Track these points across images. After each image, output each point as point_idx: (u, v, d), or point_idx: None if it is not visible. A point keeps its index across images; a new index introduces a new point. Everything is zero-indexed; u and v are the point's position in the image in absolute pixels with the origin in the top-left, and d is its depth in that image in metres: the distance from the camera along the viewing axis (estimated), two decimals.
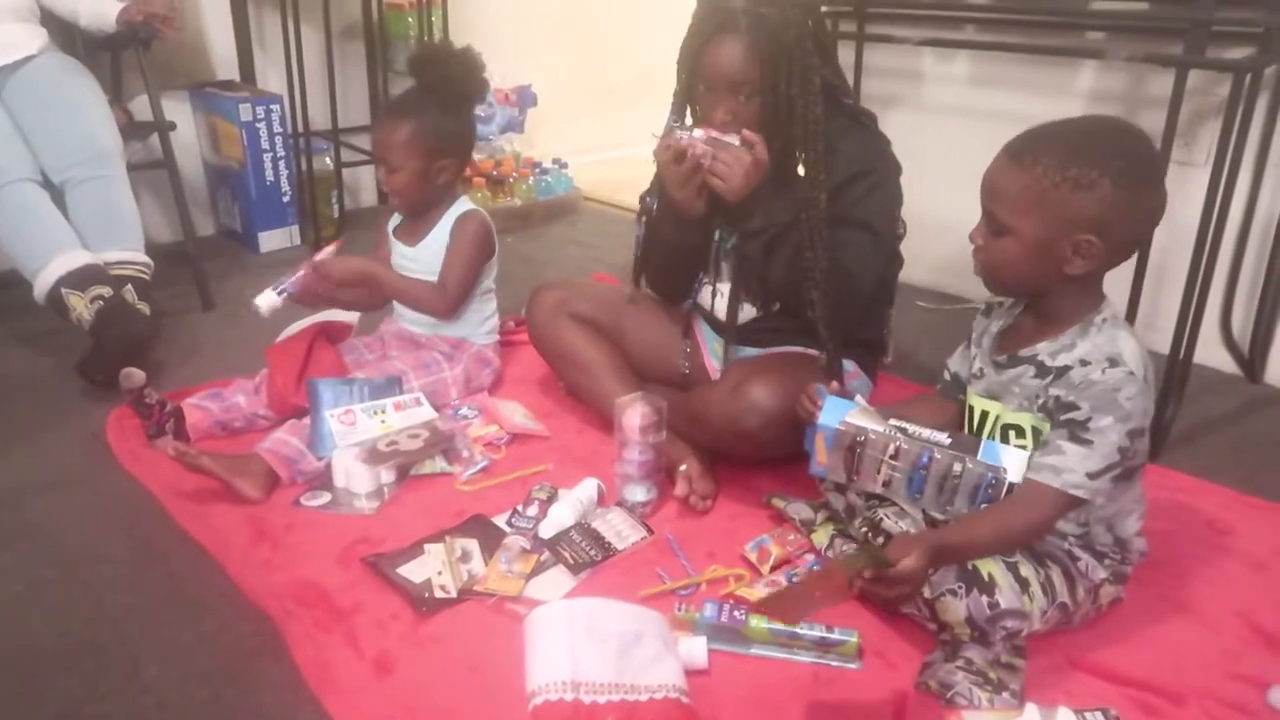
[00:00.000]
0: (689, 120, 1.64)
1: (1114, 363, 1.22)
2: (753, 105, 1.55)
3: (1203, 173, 1.89)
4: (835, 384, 1.43)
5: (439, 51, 2.00)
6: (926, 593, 1.24)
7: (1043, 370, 1.28)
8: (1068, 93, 2.34)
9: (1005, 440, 1.32)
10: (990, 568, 1.23)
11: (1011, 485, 1.26)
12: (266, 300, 1.82)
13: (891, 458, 1.32)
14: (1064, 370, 1.25)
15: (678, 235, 1.68)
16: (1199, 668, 1.30)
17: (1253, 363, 2.20)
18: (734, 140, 1.51)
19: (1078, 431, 1.22)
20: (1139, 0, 2.14)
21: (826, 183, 1.57)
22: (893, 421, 1.34)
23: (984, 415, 1.36)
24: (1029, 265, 1.24)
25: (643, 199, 1.77)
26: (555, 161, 3.56)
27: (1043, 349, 1.29)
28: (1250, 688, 1.27)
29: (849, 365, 1.73)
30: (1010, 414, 1.32)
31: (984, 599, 1.21)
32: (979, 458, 1.28)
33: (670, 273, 1.80)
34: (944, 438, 1.31)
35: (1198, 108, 2.06)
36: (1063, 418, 1.23)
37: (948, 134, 2.52)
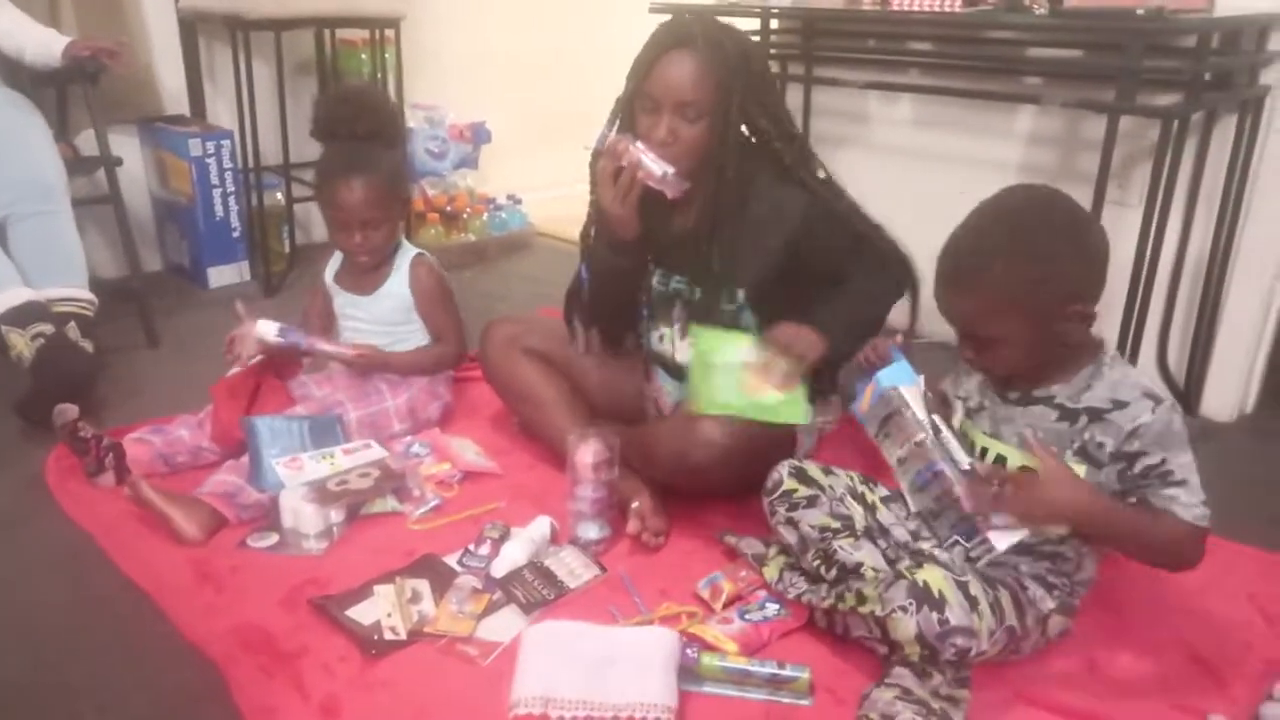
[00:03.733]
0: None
1: (1154, 399, 1.25)
2: (697, 128, 1.55)
3: (1136, 213, 1.96)
4: (903, 339, 1.46)
5: (366, 97, 1.99)
6: (878, 610, 1.25)
7: (1068, 413, 1.29)
8: (1008, 135, 2.41)
9: None
10: (940, 585, 1.23)
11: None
12: (267, 330, 1.83)
13: (916, 444, 1.34)
14: (1097, 413, 1.27)
15: (614, 259, 1.68)
16: (1141, 699, 1.33)
17: (1188, 395, 2.27)
18: (669, 169, 1.53)
19: (1169, 479, 1.24)
20: (1074, 49, 2.22)
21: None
22: (935, 417, 1.36)
23: (984, 451, 1.37)
24: (1030, 354, 1.29)
25: (584, 237, 1.77)
26: (509, 197, 3.58)
27: (1058, 391, 1.30)
28: (1192, 718, 1.29)
29: None
30: (1025, 457, 1.31)
31: (934, 615, 1.21)
32: None
33: (607, 304, 1.78)
34: (967, 464, 1.33)
35: (1130, 151, 2.14)
36: (1137, 468, 1.25)
37: (896, 174, 2.58)
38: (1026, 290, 1.23)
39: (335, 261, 2.02)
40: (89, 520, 1.68)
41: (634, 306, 1.80)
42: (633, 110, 1.60)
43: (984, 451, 1.37)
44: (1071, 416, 1.29)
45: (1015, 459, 1.33)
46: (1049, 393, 1.31)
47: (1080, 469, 1.28)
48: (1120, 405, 1.26)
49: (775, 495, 1.49)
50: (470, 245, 3.35)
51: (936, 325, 1.43)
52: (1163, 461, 1.24)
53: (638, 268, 1.71)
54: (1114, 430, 1.26)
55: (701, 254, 1.64)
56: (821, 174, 1.68)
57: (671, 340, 1.77)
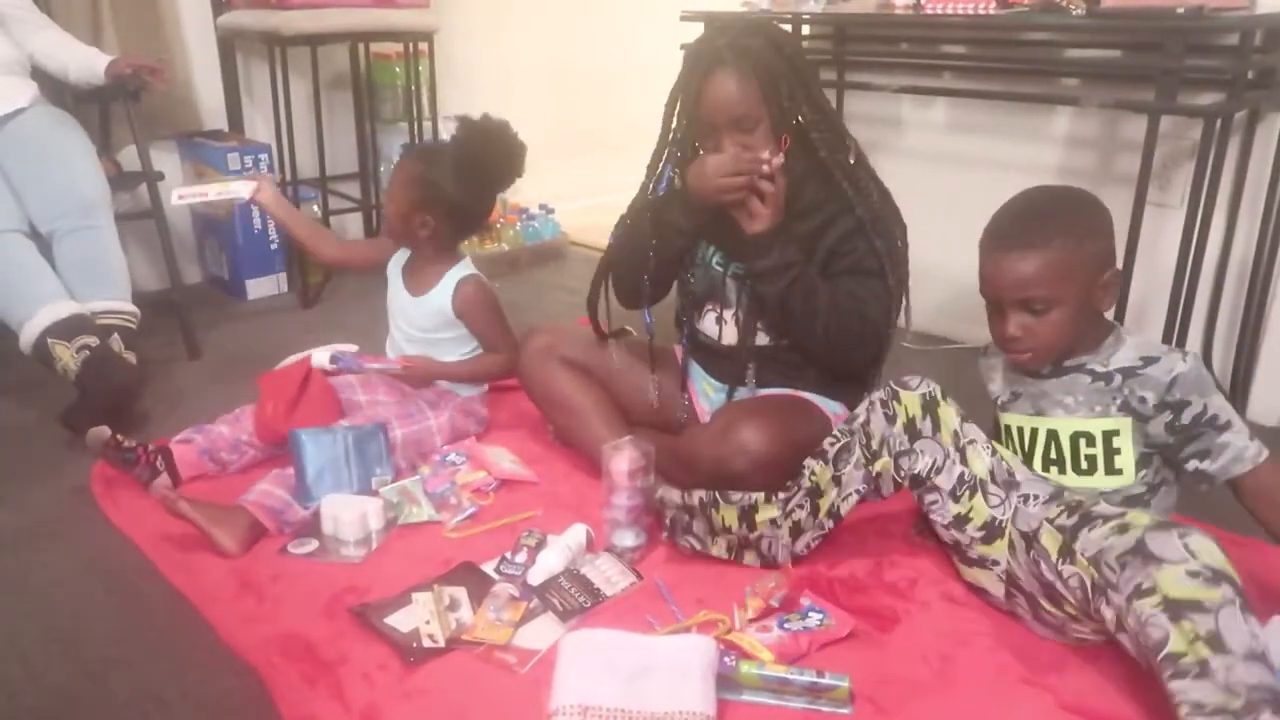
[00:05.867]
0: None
1: (1180, 351, 1.37)
2: (760, 133, 1.58)
3: (1178, 214, 1.93)
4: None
5: (497, 130, 2.00)
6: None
7: (1100, 375, 1.39)
8: (1044, 138, 2.38)
9: (1075, 449, 1.40)
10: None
11: None
12: (322, 360, 1.89)
13: None
14: (1131, 370, 1.37)
15: (683, 220, 1.67)
16: None
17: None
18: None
19: (1217, 424, 1.34)
20: (1112, 49, 2.20)
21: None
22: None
23: (1034, 432, 1.44)
24: (1076, 324, 1.38)
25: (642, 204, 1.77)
26: (542, 207, 3.59)
27: (1087, 359, 1.41)
28: None
29: (837, 408, 1.73)
30: (1074, 422, 1.40)
31: None
32: None
33: (650, 262, 1.75)
34: None
35: (1171, 151, 2.10)
36: (1185, 419, 1.34)
37: (928, 179, 2.56)
38: (1080, 250, 1.34)
39: (404, 254, 2.04)
40: (133, 529, 1.71)
41: (672, 272, 1.80)
42: (692, 143, 1.64)
43: (1033, 432, 1.43)
44: (1105, 378, 1.39)
45: (1066, 429, 1.41)
46: (1079, 361, 1.41)
47: (1125, 423, 1.37)
48: (1151, 361, 1.36)
49: (926, 397, 1.44)
50: (503, 255, 3.36)
51: (966, 331, 1.41)
52: (1205, 408, 1.33)
53: (692, 238, 1.72)
54: (1152, 384, 1.35)
55: (759, 243, 1.61)
56: (852, 159, 1.65)
57: (724, 321, 1.77)
